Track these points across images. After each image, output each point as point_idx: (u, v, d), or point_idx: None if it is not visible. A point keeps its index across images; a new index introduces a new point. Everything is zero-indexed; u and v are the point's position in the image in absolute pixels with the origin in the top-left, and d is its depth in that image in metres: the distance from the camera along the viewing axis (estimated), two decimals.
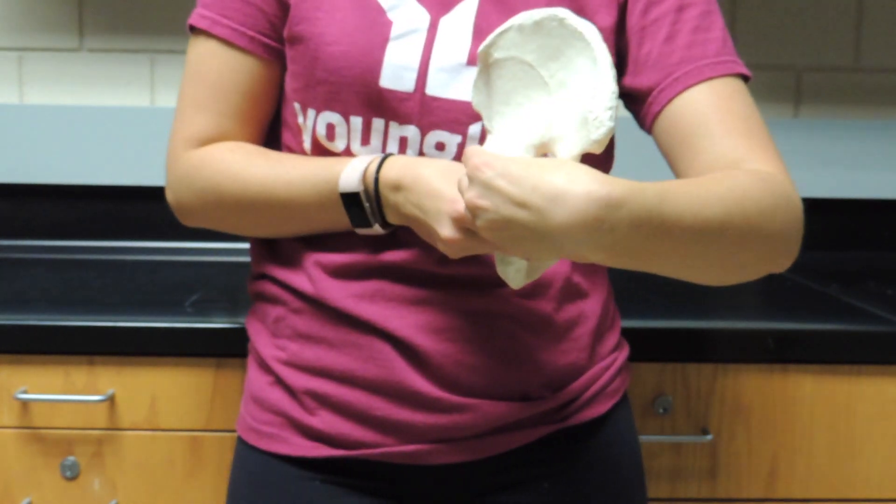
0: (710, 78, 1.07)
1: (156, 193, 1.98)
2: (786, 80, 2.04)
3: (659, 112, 1.09)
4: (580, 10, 1.10)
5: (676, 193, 0.86)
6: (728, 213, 0.90)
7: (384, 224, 1.08)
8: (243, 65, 1.15)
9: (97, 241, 1.99)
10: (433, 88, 1.08)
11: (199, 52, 1.16)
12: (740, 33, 2.03)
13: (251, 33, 1.14)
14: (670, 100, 1.07)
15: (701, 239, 0.88)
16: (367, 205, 1.06)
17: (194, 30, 1.17)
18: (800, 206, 0.99)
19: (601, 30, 1.09)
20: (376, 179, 1.05)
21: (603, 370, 1.18)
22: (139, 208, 1.98)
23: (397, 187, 1.04)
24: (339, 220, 1.09)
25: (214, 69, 1.15)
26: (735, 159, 1.02)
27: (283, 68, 1.16)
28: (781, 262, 0.98)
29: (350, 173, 1.07)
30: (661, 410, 1.47)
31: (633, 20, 1.11)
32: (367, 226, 1.08)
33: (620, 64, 1.13)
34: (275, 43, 1.14)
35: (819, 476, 1.48)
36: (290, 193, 1.10)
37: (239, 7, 1.13)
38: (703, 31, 1.09)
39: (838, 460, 1.48)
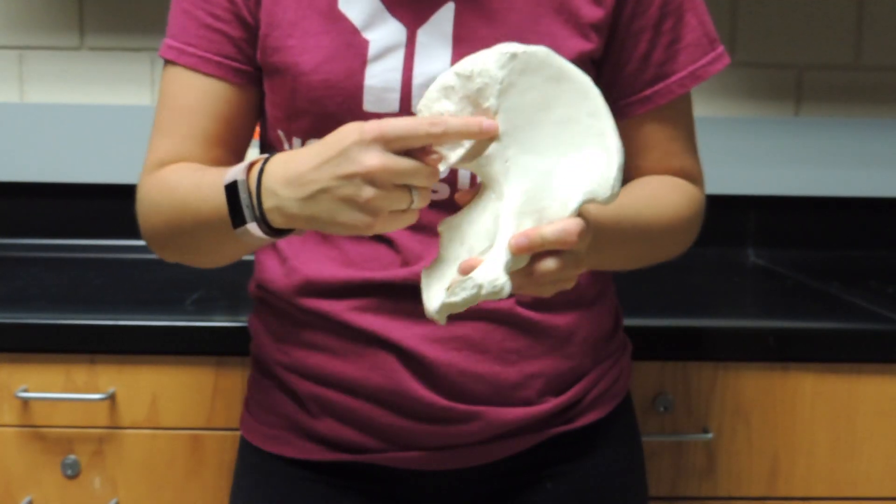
0: (673, 98, 1.14)
1: None
2: (787, 78, 2.04)
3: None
4: (563, 4, 1.07)
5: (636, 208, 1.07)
6: (673, 218, 1.12)
7: (263, 221, 0.95)
8: (211, 89, 1.11)
9: (98, 239, 1.99)
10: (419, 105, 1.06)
11: (167, 80, 1.14)
12: (741, 32, 2.02)
13: (217, 59, 1.11)
14: (632, 115, 1.13)
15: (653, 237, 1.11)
16: (243, 196, 0.96)
17: (164, 60, 1.14)
18: (703, 207, 1.18)
19: (589, 24, 1.08)
20: (261, 171, 0.95)
21: (605, 371, 1.18)
22: None
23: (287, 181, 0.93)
24: (226, 225, 0.98)
25: (181, 95, 1.12)
26: (670, 172, 1.16)
27: (257, 91, 1.13)
28: (681, 252, 1.19)
29: (239, 165, 0.98)
30: (661, 409, 1.46)
31: (620, 30, 1.11)
32: (243, 222, 0.96)
33: (602, 58, 1.12)
34: (244, 66, 1.12)
35: (820, 474, 1.48)
36: (198, 199, 1.03)
37: (204, 34, 1.11)
38: (677, 42, 1.13)
39: (839, 459, 1.48)
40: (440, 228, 0.94)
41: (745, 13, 2.02)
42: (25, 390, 1.44)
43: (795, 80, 2.04)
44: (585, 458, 1.17)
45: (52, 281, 1.74)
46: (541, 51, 0.91)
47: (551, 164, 0.91)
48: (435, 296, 0.91)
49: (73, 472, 1.45)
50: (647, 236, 1.09)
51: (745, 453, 1.48)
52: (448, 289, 0.90)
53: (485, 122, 0.89)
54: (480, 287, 0.88)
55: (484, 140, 0.91)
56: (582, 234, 0.88)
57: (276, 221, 0.96)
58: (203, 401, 1.45)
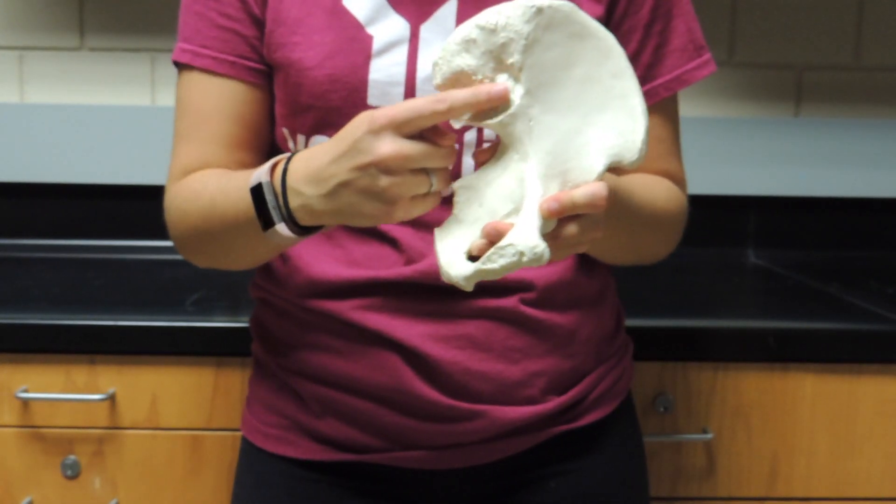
0: (659, 100, 1.14)
1: (156, 192, 1.97)
2: (786, 78, 2.04)
3: None
4: None
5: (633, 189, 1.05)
6: (662, 210, 1.12)
7: (291, 220, 0.96)
8: (228, 90, 1.11)
9: (98, 240, 1.99)
10: None
11: (184, 85, 1.13)
12: (740, 32, 2.03)
13: (232, 58, 1.11)
14: None
15: (645, 226, 1.09)
16: (269, 197, 0.96)
17: (178, 65, 1.14)
18: (686, 212, 1.18)
19: None
20: (285, 170, 0.95)
21: (608, 371, 1.18)
22: (140, 207, 1.98)
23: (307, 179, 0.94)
24: (255, 228, 0.99)
25: (197, 99, 1.12)
26: (656, 174, 1.16)
27: (272, 90, 1.13)
28: (666, 253, 1.19)
29: (262, 167, 0.98)
30: (661, 409, 1.47)
31: (612, 28, 1.11)
32: (271, 223, 0.97)
33: None
34: (259, 65, 1.12)
35: (819, 475, 1.48)
36: (225, 203, 1.03)
37: (217, 34, 1.11)
38: (664, 46, 1.14)
39: (839, 459, 1.48)
40: (455, 186, 0.90)
41: (745, 13, 2.02)
42: (25, 391, 1.44)
43: (795, 81, 2.04)
44: (588, 457, 1.17)
45: (52, 281, 1.74)
46: (566, 6, 0.88)
47: (573, 124, 0.89)
48: (456, 260, 0.88)
49: (73, 473, 1.45)
50: (638, 218, 1.08)
51: (745, 454, 1.48)
52: (468, 251, 0.88)
53: (493, 88, 0.88)
54: (522, 254, 0.85)
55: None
56: (609, 198, 0.88)
57: (304, 220, 0.96)
58: (203, 401, 1.45)
